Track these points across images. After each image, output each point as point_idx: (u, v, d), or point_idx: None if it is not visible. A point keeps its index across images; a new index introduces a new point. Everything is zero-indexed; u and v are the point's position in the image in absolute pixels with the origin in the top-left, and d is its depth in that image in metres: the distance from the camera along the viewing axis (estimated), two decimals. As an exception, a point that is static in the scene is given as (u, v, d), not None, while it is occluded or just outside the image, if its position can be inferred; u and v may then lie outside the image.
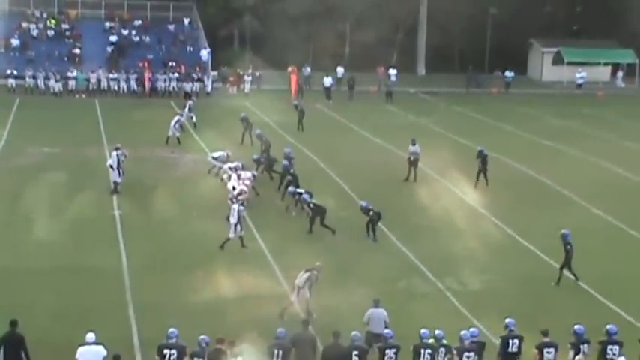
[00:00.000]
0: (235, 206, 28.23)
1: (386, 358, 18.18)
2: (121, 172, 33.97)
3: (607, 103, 64.26)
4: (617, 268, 27.68)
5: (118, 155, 33.95)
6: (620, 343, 18.59)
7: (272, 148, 38.73)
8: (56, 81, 58.71)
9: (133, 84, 59.78)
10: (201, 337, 17.85)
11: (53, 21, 68.51)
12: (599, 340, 18.68)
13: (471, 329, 18.92)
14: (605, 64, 73.82)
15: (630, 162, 42.47)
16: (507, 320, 18.96)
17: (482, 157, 36.54)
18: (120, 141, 36.45)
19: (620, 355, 18.32)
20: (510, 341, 18.67)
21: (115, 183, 34.06)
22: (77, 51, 64.86)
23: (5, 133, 44.74)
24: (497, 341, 19.27)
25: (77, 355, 17.49)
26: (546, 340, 18.46)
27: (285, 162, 34.64)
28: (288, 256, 26.52)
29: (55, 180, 35.49)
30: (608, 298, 24.84)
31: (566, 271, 25.99)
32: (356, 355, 18.14)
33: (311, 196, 30.71)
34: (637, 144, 47.76)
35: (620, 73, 74.22)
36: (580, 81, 69.37)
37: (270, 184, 35.58)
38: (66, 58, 63.94)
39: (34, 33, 67.04)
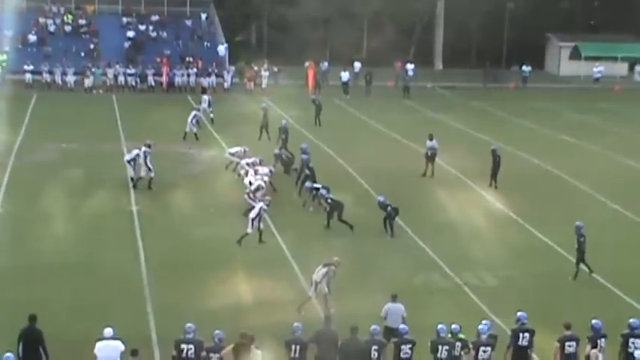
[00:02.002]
0: (260, 204, 28.27)
1: (402, 353, 18.17)
2: (145, 168, 34.06)
3: (624, 98, 63.96)
4: (635, 263, 27.56)
5: (145, 152, 34.05)
6: None
7: (289, 143, 38.90)
8: (86, 77, 58.67)
9: (151, 79, 59.83)
10: (216, 332, 17.88)
11: (70, 16, 68.62)
12: (622, 334, 18.73)
13: (483, 321, 18.88)
14: (623, 58, 73.42)
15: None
16: (519, 314, 18.93)
17: (495, 157, 35.93)
18: (137, 137, 36.63)
19: (641, 348, 18.33)
20: (521, 335, 18.64)
21: (132, 178, 34.27)
22: (94, 46, 65.09)
23: (23, 129, 44.92)
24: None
25: (95, 350, 17.56)
26: (568, 333, 18.45)
27: (304, 155, 34.60)
28: (305, 252, 26.54)
29: (72, 175, 35.59)
30: (626, 293, 24.77)
31: (582, 265, 25.95)
32: (375, 350, 18.14)
33: (328, 191, 30.70)
34: (655, 138, 47.63)
35: (637, 68, 73.81)
36: (597, 75, 69.04)
37: (287, 179, 35.56)
38: (83, 54, 64.07)
39: (51, 28, 67.18)
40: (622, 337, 18.69)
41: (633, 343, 18.53)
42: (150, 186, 33.99)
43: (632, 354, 18.39)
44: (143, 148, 34.27)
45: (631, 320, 18.94)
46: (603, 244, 27.80)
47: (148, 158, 34.18)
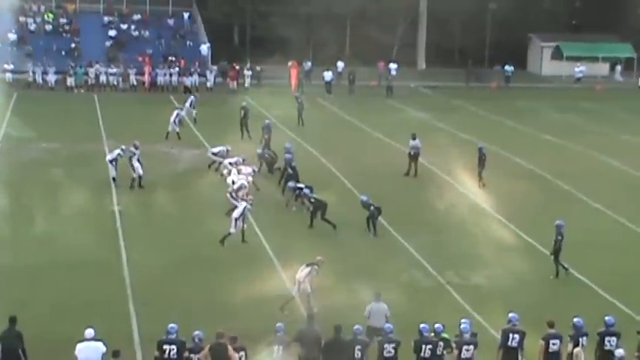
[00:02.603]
0: (243, 204, 28.17)
1: (385, 352, 18.13)
2: (135, 166, 33.96)
3: (606, 98, 64.21)
4: (617, 262, 27.66)
5: (132, 152, 33.95)
6: (617, 335, 18.73)
7: (272, 142, 38.87)
8: (69, 76, 58.32)
9: (133, 79, 59.53)
10: (196, 332, 17.77)
11: (51, 15, 68.31)
12: (598, 332, 18.79)
13: (463, 320, 18.87)
14: (604, 58, 73.75)
15: (629, 155, 42.50)
16: (511, 315, 18.86)
17: (480, 155, 35.79)
18: (120, 136, 36.55)
19: (618, 347, 18.34)
20: (511, 335, 18.57)
21: (114, 178, 34.18)
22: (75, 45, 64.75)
23: (3, 128, 44.64)
24: (498, 335, 19.18)
25: (76, 352, 17.39)
26: (552, 331, 18.50)
27: (288, 155, 34.54)
28: (288, 251, 26.47)
29: (53, 175, 35.49)
30: (608, 292, 24.84)
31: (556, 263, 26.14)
32: (358, 349, 18.09)
33: (312, 190, 30.66)
34: (635, 137, 47.79)
35: (618, 67, 74.22)
36: (579, 75, 69.34)
37: (271, 178, 35.48)
38: (64, 53, 63.73)
39: (32, 27, 66.84)
40: (598, 335, 18.76)
41: (609, 340, 18.62)
42: (132, 185, 33.85)
43: (609, 352, 18.48)
44: (131, 148, 34.11)
45: (606, 318, 19.01)
46: (585, 243, 27.92)
47: (135, 158, 34.04)
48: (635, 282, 25.83)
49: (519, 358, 18.70)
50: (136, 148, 34.22)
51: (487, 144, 36.82)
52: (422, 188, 35.65)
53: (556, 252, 25.96)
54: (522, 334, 18.62)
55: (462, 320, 18.82)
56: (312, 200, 30.17)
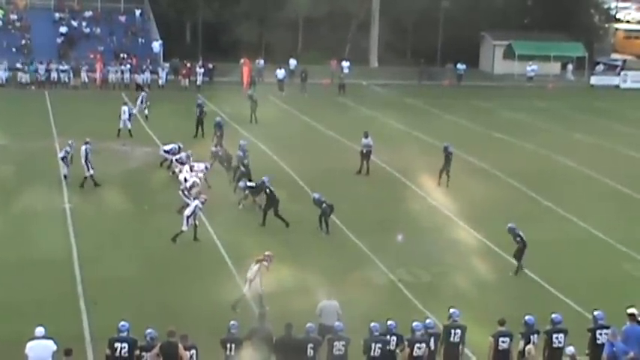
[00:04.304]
0: (195, 202, 28.06)
1: (335, 350, 18.19)
2: (89, 165, 33.59)
3: (557, 96, 64.88)
4: (569, 260, 27.99)
5: (86, 149, 33.58)
6: (565, 331, 18.92)
7: (225, 140, 38.73)
8: (23, 72, 57.51)
9: (84, 76, 58.85)
10: (148, 330, 17.71)
11: (1, 11, 67.41)
12: (545, 330, 18.97)
13: (427, 320, 19.04)
14: (556, 57, 74.42)
15: (580, 154, 42.98)
16: (452, 310, 19.08)
17: (446, 155, 35.89)
18: (71, 133, 36.18)
19: (566, 343, 18.53)
20: (453, 331, 18.80)
21: (66, 176, 33.91)
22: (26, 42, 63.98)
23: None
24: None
25: (26, 350, 17.26)
26: (502, 329, 18.66)
27: (239, 152, 34.47)
28: (240, 249, 26.45)
29: (3, 172, 35.09)
30: (559, 289, 25.11)
31: (514, 261, 26.45)
32: (311, 347, 18.14)
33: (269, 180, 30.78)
34: (586, 136, 48.37)
35: (569, 66, 74.90)
36: (531, 74, 69.91)
37: (223, 176, 35.33)
38: (14, 49, 62.99)
39: (-20, 23, 66.07)
40: (545, 334, 18.94)
41: (557, 338, 18.81)
42: (82, 185, 33.54)
43: (557, 349, 18.70)
44: (84, 146, 33.74)
45: (553, 315, 19.22)
46: (536, 242, 28.03)
47: (89, 156, 33.71)
48: (587, 280, 26.18)
49: (461, 352, 18.91)
50: (88, 144, 33.85)
51: (440, 142, 36.95)
52: (374, 186, 35.78)
53: (521, 251, 26.21)
54: (464, 329, 18.85)
55: (427, 320, 19.04)
56: (268, 191, 30.12)
